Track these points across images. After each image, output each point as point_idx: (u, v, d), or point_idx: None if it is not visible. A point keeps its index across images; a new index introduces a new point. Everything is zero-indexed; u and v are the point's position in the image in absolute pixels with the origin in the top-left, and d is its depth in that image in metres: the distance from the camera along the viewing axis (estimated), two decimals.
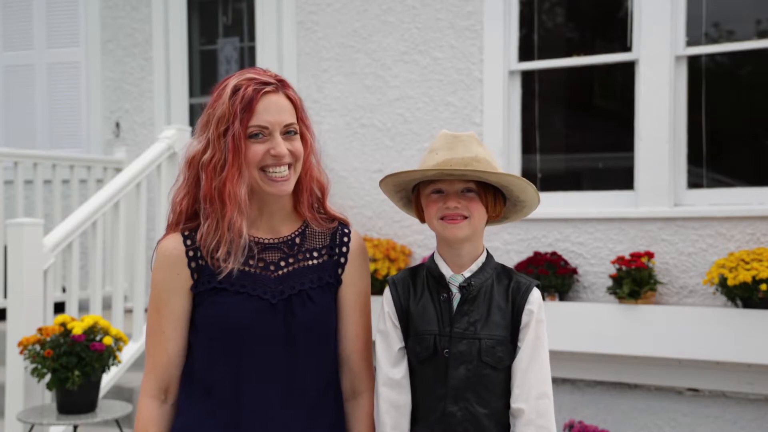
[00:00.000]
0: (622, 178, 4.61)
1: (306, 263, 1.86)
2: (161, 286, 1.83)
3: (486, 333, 1.86)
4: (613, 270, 4.37)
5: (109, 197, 4.30)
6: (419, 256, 4.91)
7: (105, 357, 3.44)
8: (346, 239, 1.92)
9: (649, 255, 4.27)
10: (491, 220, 1.95)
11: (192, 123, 5.75)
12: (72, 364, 3.37)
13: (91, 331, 3.48)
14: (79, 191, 5.37)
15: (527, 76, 4.88)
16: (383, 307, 1.94)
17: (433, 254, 1.96)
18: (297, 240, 1.87)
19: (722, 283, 4.01)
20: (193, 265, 1.81)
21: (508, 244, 4.77)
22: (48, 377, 3.43)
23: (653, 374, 4.29)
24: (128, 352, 4.16)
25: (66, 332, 3.46)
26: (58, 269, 4.81)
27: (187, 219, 1.84)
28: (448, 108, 4.97)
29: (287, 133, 1.81)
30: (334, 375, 1.89)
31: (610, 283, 4.39)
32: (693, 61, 4.44)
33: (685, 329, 4.06)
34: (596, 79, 5.07)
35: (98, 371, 3.44)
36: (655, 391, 4.39)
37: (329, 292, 1.87)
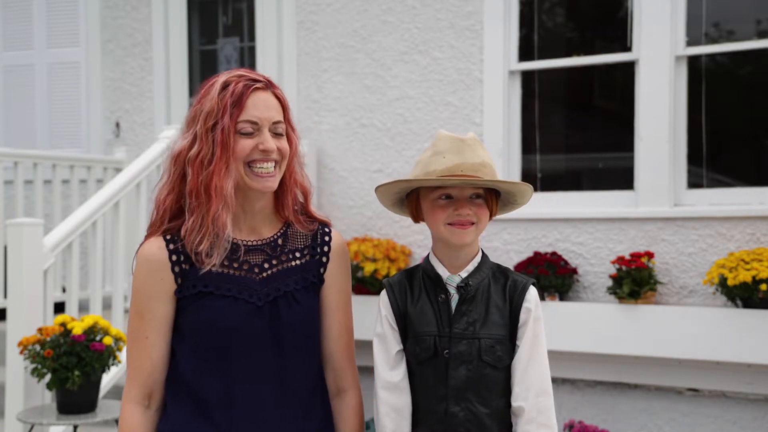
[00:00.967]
0: (622, 178, 4.61)
1: (289, 264, 1.86)
2: (143, 291, 1.81)
3: (485, 332, 1.86)
4: (613, 270, 4.37)
5: (109, 197, 4.30)
6: (419, 256, 4.90)
7: (105, 357, 3.44)
8: (327, 239, 1.92)
9: (649, 255, 4.27)
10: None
11: None
12: (72, 364, 3.37)
13: (91, 331, 3.48)
14: (79, 191, 5.37)
15: (527, 76, 4.88)
16: (380, 311, 1.94)
17: (428, 255, 1.96)
18: (279, 241, 1.87)
19: (722, 283, 4.01)
20: (176, 269, 1.80)
21: (508, 244, 4.77)
22: (48, 377, 3.43)
23: (653, 374, 4.29)
24: None
25: (66, 332, 3.46)
26: (58, 269, 4.81)
27: (171, 217, 1.83)
28: (448, 108, 4.97)
29: (275, 131, 1.82)
30: (321, 374, 1.90)
31: (610, 283, 4.39)
32: (693, 61, 4.44)
33: (685, 329, 4.06)
34: (596, 79, 5.07)
35: (98, 371, 3.44)
36: (655, 391, 4.39)
37: (313, 292, 1.87)
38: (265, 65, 5.61)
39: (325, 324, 1.90)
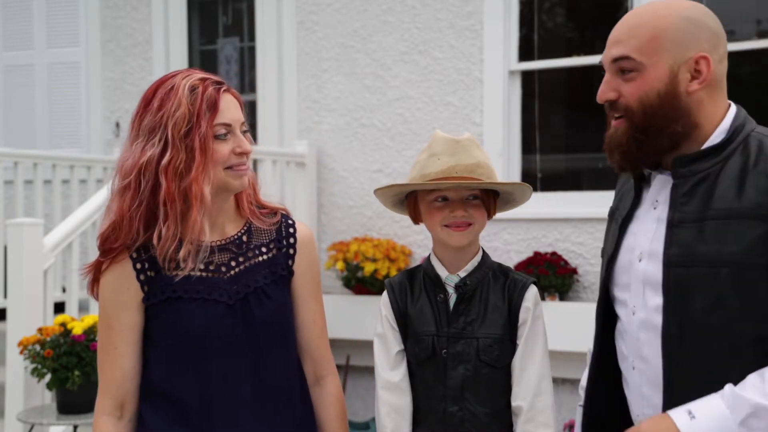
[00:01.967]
0: None
1: (256, 260, 1.84)
2: (110, 302, 1.79)
3: (483, 332, 1.86)
4: None
5: (108, 198, 4.29)
6: (419, 256, 4.90)
7: None
8: (292, 230, 1.91)
9: None
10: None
11: None
12: (72, 364, 3.37)
13: (91, 331, 3.48)
14: (79, 191, 5.36)
15: (527, 76, 4.88)
16: (381, 311, 1.95)
17: (429, 256, 1.96)
18: (244, 238, 1.86)
19: None
20: (142, 277, 1.78)
21: (508, 244, 4.77)
22: (48, 377, 3.42)
23: None
24: None
25: (66, 332, 3.46)
26: (58, 269, 4.81)
27: (146, 228, 1.76)
28: (448, 108, 4.97)
29: (242, 129, 1.82)
30: (298, 366, 1.89)
31: None
32: None
33: None
34: (596, 79, 5.06)
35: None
36: None
37: (283, 285, 1.86)
38: (265, 65, 5.61)
39: (299, 314, 1.89)
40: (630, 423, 1.75)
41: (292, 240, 1.90)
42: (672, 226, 1.63)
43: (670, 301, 1.61)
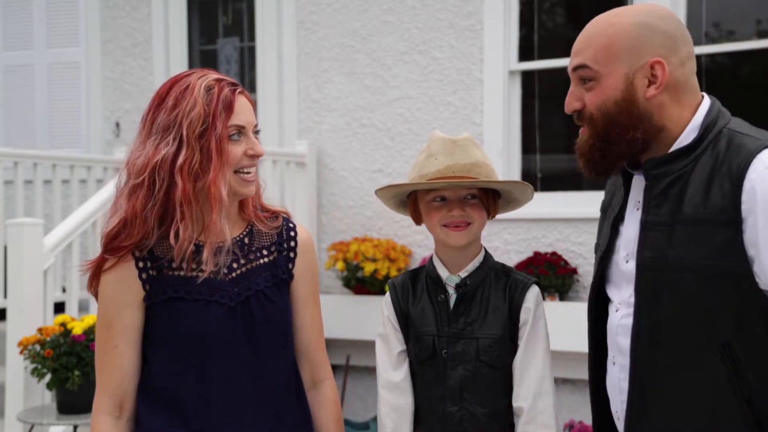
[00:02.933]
0: None
1: (258, 262, 1.84)
2: (111, 300, 1.78)
3: (483, 332, 1.86)
4: None
5: (109, 197, 4.29)
6: (419, 256, 4.90)
7: None
8: (293, 233, 1.91)
9: None
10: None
11: None
12: (72, 364, 3.37)
13: (91, 331, 3.48)
14: (79, 191, 5.36)
15: (527, 76, 4.88)
16: (383, 311, 1.95)
17: (431, 256, 1.97)
18: (246, 240, 1.86)
19: None
20: (144, 276, 1.77)
21: (508, 244, 4.77)
22: (48, 377, 3.42)
23: None
24: None
25: (66, 332, 3.46)
26: (58, 269, 4.81)
27: (159, 227, 1.75)
28: (448, 108, 4.97)
29: (254, 133, 1.81)
30: (295, 369, 1.89)
31: None
32: None
33: None
34: None
35: None
36: None
37: (284, 288, 1.86)
38: (265, 65, 5.61)
39: (298, 317, 1.89)
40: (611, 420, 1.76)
41: (293, 243, 1.90)
42: (645, 228, 1.63)
43: (642, 303, 1.62)
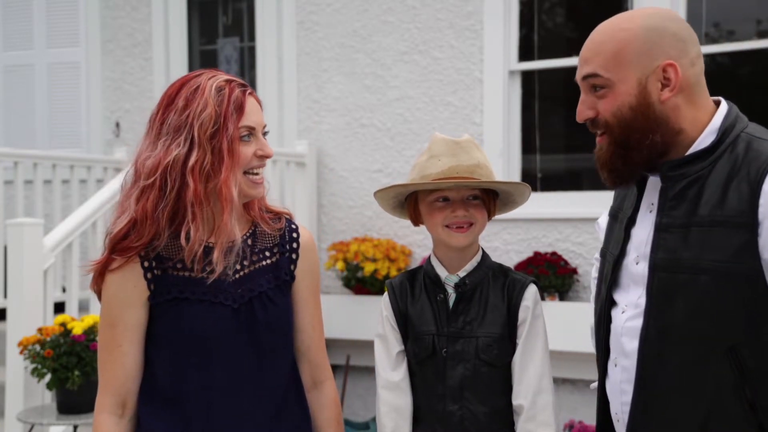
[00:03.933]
0: None
1: (260, 264, 1.85)
2: (115, 299, 1.78)
3: (483, 331, 1.87)
4: None
5: (109, 197, 4.30)
6: (419, 256, 4.91)
7: None
8: (295, 235, 1.91)
9: None
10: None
11: None
12: (72, 364, 3.37)
13: (91, 331, 3.48)
14: (79, 191, 5.36)
15: (527, 76, 4.88)
16: (382, 312, 1.96)
17: (429, 257, 1.97)
18: (249, 241, 1.86)
19: None
20: (149, 275, 1.77)
21: (508, 244, 4.77)
22: (48, 377, 3.42)
23: None
24: None
25: (66, 332, 3.46)
26: (58, 269, 4.81)
27: (170, 227, 1.75)
28: (448, 108, 4.97)
29: (264, 134, 1.82)
30: (295, 370, 1.89)
31: None
32: None
33: None
34: None
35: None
36: None
37: (286, 290, 1.87)
38: (265, 65, 5.61)
39: (299, 318, 1.90)
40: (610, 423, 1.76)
41: (295, 245, 1.90)
42: (659, 230, 1.63)
43: (653, 304, 1.61)
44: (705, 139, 1.63)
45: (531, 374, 1.85)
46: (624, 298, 1.72)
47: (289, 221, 1.93)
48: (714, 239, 1.55)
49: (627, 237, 1.74)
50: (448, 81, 4.97)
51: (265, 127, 1.82)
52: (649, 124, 1.62)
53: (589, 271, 4.55)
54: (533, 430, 1.83)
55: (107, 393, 1.79)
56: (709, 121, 1.64)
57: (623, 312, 1.70)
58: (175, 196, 1.73)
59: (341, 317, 4.73)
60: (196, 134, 1.72)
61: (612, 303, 1.76)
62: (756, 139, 1.60)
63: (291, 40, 5.45)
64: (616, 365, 1.71)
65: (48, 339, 3.45)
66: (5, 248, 4.04)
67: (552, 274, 4.41)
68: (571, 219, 4.59)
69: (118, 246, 1.77)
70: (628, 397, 1.66)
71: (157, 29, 5.94)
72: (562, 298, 4.47)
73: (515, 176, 4.82)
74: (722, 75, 4.67)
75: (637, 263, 1.69)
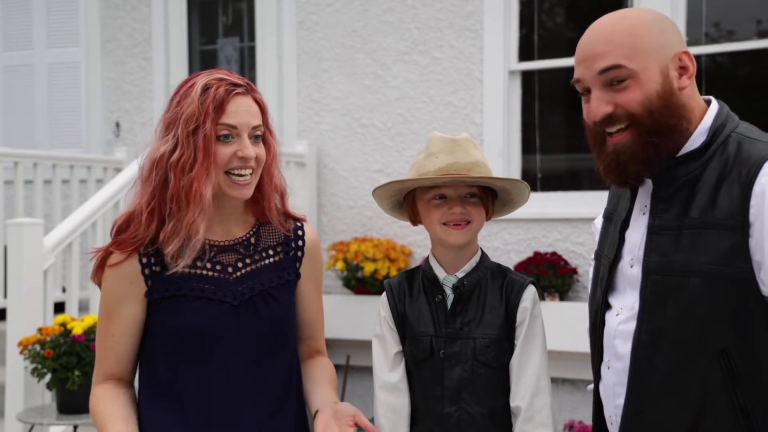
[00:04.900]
0: None
1: (264, 262, 1.85)
2: (112, 292, 1.80)
3: (481, 332, 1.86)
4: None
5: (109, 197, 4.30)
6: (419, 256, 4.90)
7: None
8: (300, 233, 1.92)
9: None
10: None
11: None
12: (72, 364, 3.37)
13: (91, 331, 3.48)
14: (79, 191, 5.37)
15: (527, 76, 4.88)
16: (380, 312, 1.95)
17: (428, 257, 1.97)
18: (252, 240, 1.86)
19: None
20: (147, 272, 1.78)
21: (508, 244, 4.77)
22: (48, 377, 3.43)
23: None
24: None
25: (66, 332, 3.46)
26: (58, 269, 4.81)
27: (160, 223, 1.77)
28: (448, 108, 4.97)
29: (254, 136, 1.80)
30: (295, 366, 1.90)
31: None
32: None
33: None
34: None
35: None
36: None
37: (290, 288, 1.88)
38: (265, 65, 5.61)
39: (303, 314, 1.93)
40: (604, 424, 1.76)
41: (300, 242, 1.91)
42: (652, 232, 1.62)
43: (646, 307, 1.61)
44: (696, 140, 1.62)
45: (529, 375, 1.85)
46: (619, 301, 1.71)
47: (295, 220, 1.94)
48: (705, 242, 1.54)
49: (621, 240, 1.74)
50: (448, 81, 4.97)
51: (256, 128, 1.80)
52: (676, 111, 1.60)
53: (589, 272, 4.55)
54: None
55: (100, 371, 1.86)
56: (700, 120, 1.64)
57: (617, 315, 1.70)
58: (161, 191, 1.76)
59: (341, 317, 4.73)
60: (180, 131, 1.74)
61: (607, 306, 1.75)
62: (747, 139, 1.59)
63: (291, 40, 5.45)
64: (608, 368, 1.71)
65: (48, 339, 3.45)
66: (5, 248, 4.04)
67: (552, 274, 4.41)
68: (571, 219, 4.59)
69: (119, 237, 1.80)
70: (621, 400, 1.66)
71: (157, 29, 5.94)
72: (562, 298, 4.47)
73: (515, 176, 4.81)
74: (722, 75, 4.67)
75: (631, 266, 1.68)
